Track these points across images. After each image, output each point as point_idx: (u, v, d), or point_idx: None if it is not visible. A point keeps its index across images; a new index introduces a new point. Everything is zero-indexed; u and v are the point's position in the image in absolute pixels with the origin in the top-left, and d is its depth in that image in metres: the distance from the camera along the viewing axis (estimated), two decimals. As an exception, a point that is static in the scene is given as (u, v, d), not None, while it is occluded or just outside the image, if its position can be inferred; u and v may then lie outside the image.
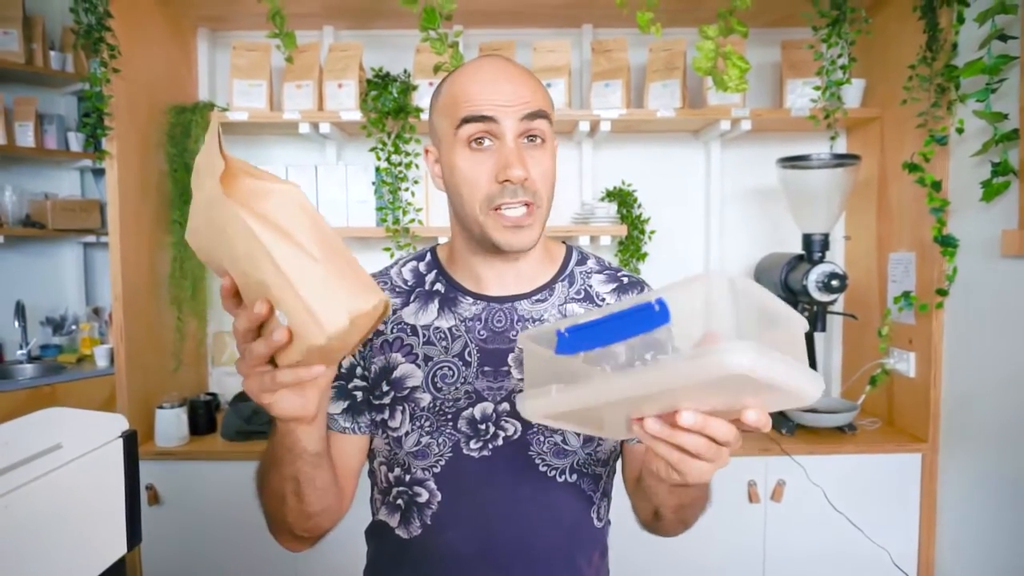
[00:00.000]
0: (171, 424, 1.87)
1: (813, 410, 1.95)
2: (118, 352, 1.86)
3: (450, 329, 0.89)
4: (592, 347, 0.60)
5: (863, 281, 2.17)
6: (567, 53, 2.08)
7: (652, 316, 0.55)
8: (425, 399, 0.87)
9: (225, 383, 2.30)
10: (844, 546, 1.87)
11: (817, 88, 1.90)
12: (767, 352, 0.49)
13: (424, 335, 0.89)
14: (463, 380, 0.87)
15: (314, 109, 2.06)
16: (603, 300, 0.92)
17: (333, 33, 2.26)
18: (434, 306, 0.91)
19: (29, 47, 2.78)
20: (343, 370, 0.91)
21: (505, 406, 0.87)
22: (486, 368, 0.87)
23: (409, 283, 0.94)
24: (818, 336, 2.19)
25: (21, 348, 2.77)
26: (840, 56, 1.83)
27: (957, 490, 1.81)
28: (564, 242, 1.00)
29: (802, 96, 2.05)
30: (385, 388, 0.89)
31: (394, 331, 0.90)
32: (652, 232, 2.25)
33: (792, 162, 1.97)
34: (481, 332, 0.89)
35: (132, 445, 0.69)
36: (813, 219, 1.99)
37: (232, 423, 1.92)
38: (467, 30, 2.21)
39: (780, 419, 1.96)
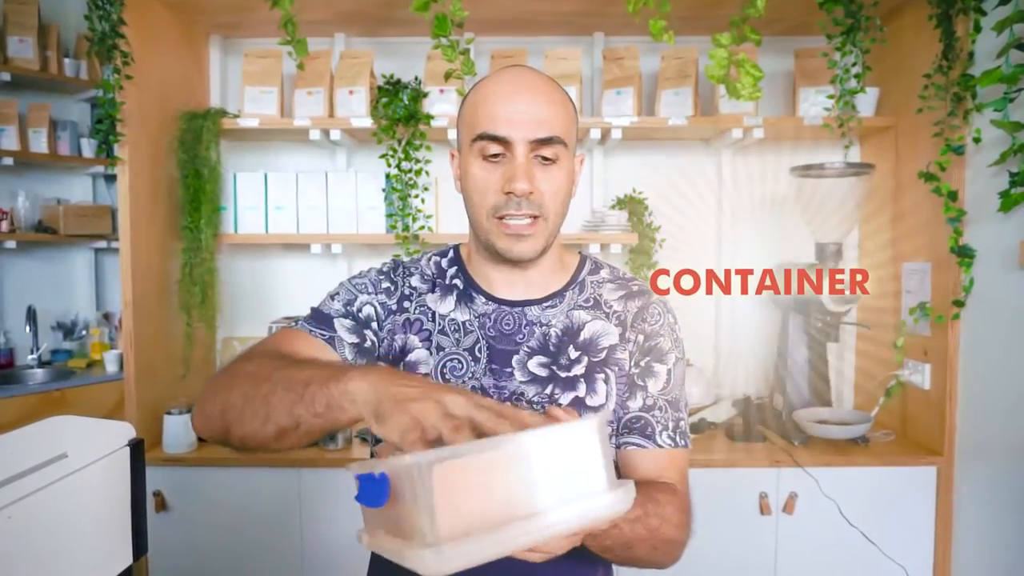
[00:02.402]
0: (179, 430, 1.87)
1: (825, 421, 1.93)
2: (127, 357, 1.87)
3: (464, 323, 0.92)
4: (372, 506, 0.58)
5: (877, 291, 2.14)
6: (578, 61, 2.08)
7: (375, 492, 0.56)
8: None
9: (234, 389, 2.29)
10: (858, 561, 1.84)
11: (831, 97, 1.88)
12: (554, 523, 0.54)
13: (440, 323, 0.92)
14: (471, 375, 0.89)
15: (325, 116, 2.06)
16: (610, 307, 0.94)
17: (344, 40, 2.27)
18: (452, 299, 0.94)
19: (44, 54, 2.80)
20: (361, 316, 0.91)
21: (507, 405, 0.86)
22: (493, 366, 0.89)
23: (433, 273, 0.97)
24: (831, 347, 2.16)
25: (32, 353, 2.78)
26: (854, 64, 1.81)
27: (974, 505, 1.78)
28: (580, 252, 1.02)
29: (815, 105, 2.03)
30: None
31: (416, 312, 0.93)
32: (663, 240, 2.24)
33: (805, 171, 1.96)
34: (491, 330, 0.91)
35: (139, 454, 0.68)
36: (826, 228, 1.97)
37: (240, 430, 1.91)
38: (479, 37, 2.20)
39: (793, 430, 1.94)
